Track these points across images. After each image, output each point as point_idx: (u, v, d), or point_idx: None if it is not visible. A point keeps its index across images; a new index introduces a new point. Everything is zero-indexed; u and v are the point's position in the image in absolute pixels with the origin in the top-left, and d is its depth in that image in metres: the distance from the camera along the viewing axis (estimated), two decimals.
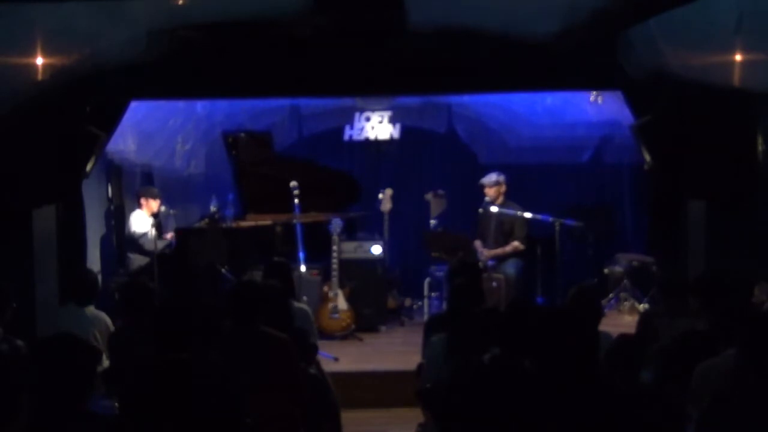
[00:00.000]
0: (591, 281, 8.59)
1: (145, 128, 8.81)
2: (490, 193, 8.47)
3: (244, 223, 8.66)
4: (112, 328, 5.77)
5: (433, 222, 8.99)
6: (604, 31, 6.16)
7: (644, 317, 5.63)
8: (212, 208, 8.48)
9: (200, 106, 9.30)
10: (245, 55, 6.56)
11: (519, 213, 8.25)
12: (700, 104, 6.39)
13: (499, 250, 8.33)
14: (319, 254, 8.32)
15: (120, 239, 8.92)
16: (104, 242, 8.85)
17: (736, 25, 5.43)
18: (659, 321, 5.30)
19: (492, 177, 8.50)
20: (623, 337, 4.22)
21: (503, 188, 8.47)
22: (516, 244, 8.37)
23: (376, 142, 9.90)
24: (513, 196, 8.64)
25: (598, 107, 8.90)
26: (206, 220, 8.55)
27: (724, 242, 6.62)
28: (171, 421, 3.06)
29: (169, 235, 8.64)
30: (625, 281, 8.87)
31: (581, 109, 9.20)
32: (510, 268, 8.29)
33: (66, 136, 6.42)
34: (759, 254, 6.37)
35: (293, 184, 8.26)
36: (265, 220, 8.59)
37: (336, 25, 6.21)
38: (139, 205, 8.66)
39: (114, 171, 9.08)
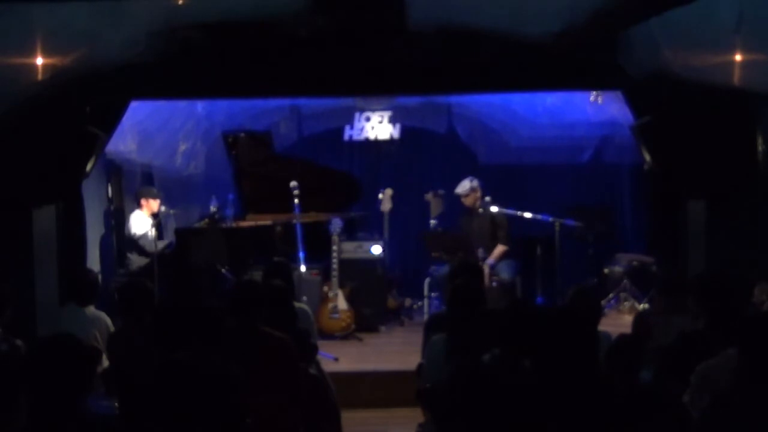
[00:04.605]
0: (591, 281, 8.61)
1: (145, 128, 8.81)
2: (467, 201, 8.46)
3: (244, 223, 8.66)
4: (112, 328, 5.78)
5: (433, 222, 8.99)
6: (604, 31, 6.15)
7: (638, 317, 5.63)
8: (212, 208, 8.48)
9: (200, 106, 9.31)
10: (245, 55, 6.56)
11: (519, 214, 8.24)
12: (700, 104, 6.39)
13: (490, 260, 8.29)
14: (319, 254, 8.33)
15: (120, 239, 8.92)
16: (104, 242, 8.85)
17: (736, 25, 5.42)
18: (654, 320, 5.31)
19: (465, 185, 8.46)
20: (623, 337, 4.22)
21: (479, 193, 8.45)
22: (500, 247, 8.33)
23: (376, 142, 9.92)
24: (513, 195, 8.65)
25: (598, 107, 8.91)
26: (206, 220, 8.56)
27: (724, 242, 6.61)
28: (171, 422, 3.06)
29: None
30: (625, 281, 8.88)
31: (581, 109, 9.20)
32: (503, 272, 8.27)
33: (66, 136, 6.41)
34: (759, 254, 6.37)
35: (293, 184, 8.27)
36: (265, 220, 8.60)
37: (336, 25, 6.20)
38: (139, 206, 8.66)
39: (114, 171, 9.08)
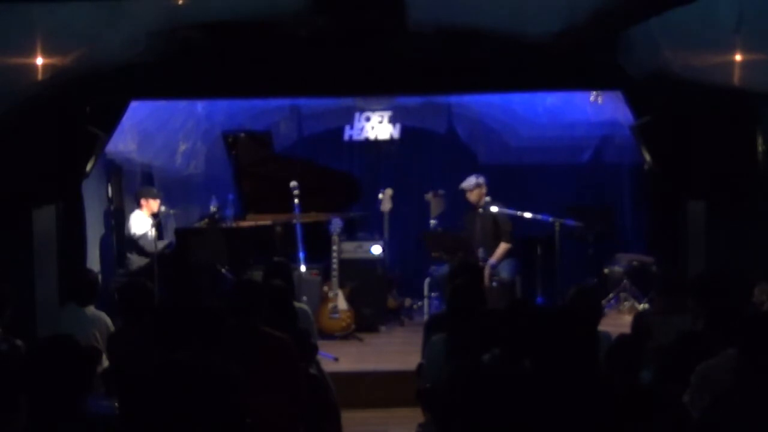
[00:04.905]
0: (591, 281, 8.61)
1: (146, 128, 8.81)
2: (471, 197, 8.47)
3: (244, 223, 8.66)
4: (112, 328, 5.78)
5: (433, 222, 8.99)
6: (604, 31, 6.15)
7: (638, 317, 5.64)
8: (212, 208, 8.48)
9: (200, 106, 9.31)
10: (245, 55, 6.56)
11: (519, 213, 8.24)
12: (700, 104, 6.39)
13: (492, 260, 8.30)
14: (319, 254, 8.32)
15: (120, 239, 8.92)
16: (104, 242, 8.85)
17: (736, 25, 5.42)
18: (653, 319, 5.31)
19: (471, 180, 8.49)
20: (623, 337, 4.22)
21: (484, 190, 8.47)
22: (503, 245, 8.34)
23: (376, 142, 9.92)
24: (513, 195, 8.64)
25: (598, 107, 8.90)
26: (206, 220, 8.55)
27: (724, 242, 6.61)
28: (171, 421, 3.06)
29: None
30: (625, 281, 8.88)
31: (581, 109, 9.20)
32: (503, 271, 8.27)
33: (66, 136, 6.41)
34: (759, 254, 6.37)
35: (293, 184, 8.27)
36: (265, 220, 8.60)
37: (336, 25, 6.20)
38: (139, 206, 8.66)
39: (114, 171, 9.08)
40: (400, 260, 9.61)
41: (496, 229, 8.41)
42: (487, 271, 8.09)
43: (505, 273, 8.26)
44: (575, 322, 3.26)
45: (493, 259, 8.27)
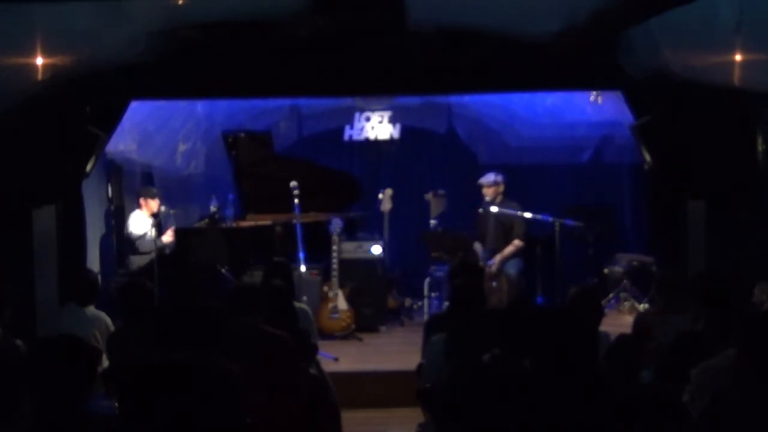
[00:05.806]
0: (591, 281, 8.62)
1: (146, 128, 8.81)
2: (488, 193, 8.49)
3: (244, 223, 8.66)
4: (112, 328, 5.78)
5: (433, 222, 8.99)
6: (604, 31, 6.15)
7: (638, 317, 5.64)
8: (212, 208, 8.48)
9: (200, 106, 9.31)
10: (245, 55, 6.56)
11: (519, 213, 8.25)
12: (700, 104, 6.39)
13: (499, 256, 8.31)
14: (319, 254, 8.33)
15: (120, 239, 8.92)
16: (104, 242, 8.85)
17: (736, 25, 5.42)
18: (653, 319, 5.31)
19: (490, 177, 8.52)
20: (623, 337, 4.22)
21: (501, 188, 8.48)
22: (516, 242, 8.37)
23: (376, 142, 9.92)
24: (513, 195, 8.64)
25: (598, 107, 8.91)
26: (206, 220, 8.56)
27: (724, 242, 6.62)
28: (171, 422, 3.06)
29: (170, 231, 8.60)
30: (625, 281, 8.88)
31: (581, 109, 9.21)
32: (511, 268, 8.29)
33: (66, 136, 6.41)
34: (759, 254, 6.37)
35: (293, 184, 8.27)
36: (265, 220, 8.60)
37: (336, 25, 6.20)
38: (139, 206, 8.66)
39: (114, 171, 9.09)
40: (400, 260, 9.61)
41: (509, 228, 8.42)
42: (494, 268, 8.12)
43: (513, 270, 8.27)
44: (575, 323, 3.27)
45: (499, 257, 8.28)
